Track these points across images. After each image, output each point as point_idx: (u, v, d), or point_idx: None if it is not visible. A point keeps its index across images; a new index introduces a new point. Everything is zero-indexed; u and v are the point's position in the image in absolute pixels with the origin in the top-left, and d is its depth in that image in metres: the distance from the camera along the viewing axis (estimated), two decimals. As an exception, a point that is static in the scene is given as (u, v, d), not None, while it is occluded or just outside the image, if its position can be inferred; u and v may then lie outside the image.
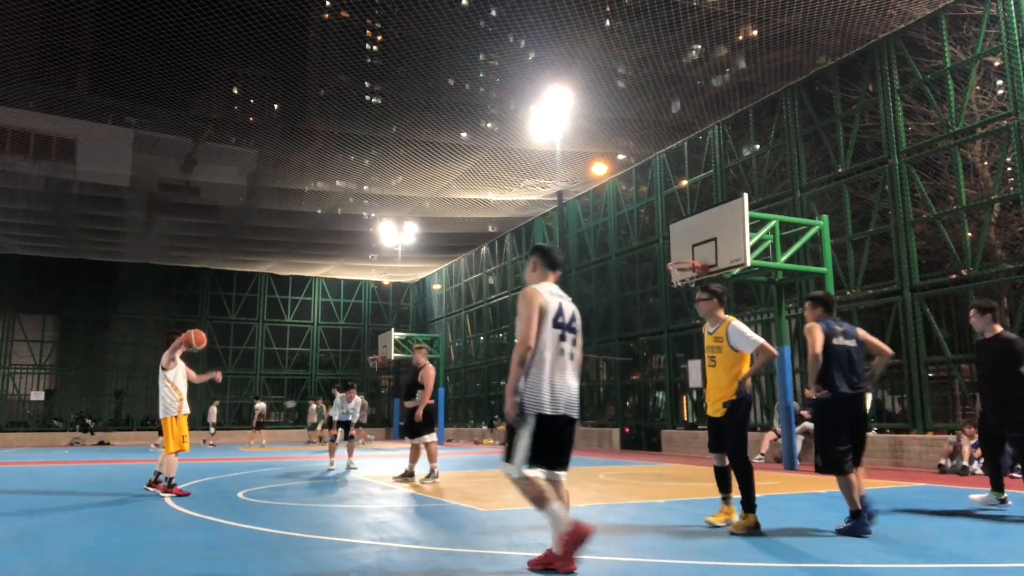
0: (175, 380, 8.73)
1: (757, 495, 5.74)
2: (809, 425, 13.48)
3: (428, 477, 10.31)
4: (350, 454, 13.59)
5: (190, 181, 21.32)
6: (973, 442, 10.67)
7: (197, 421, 30.07)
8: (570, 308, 4.52)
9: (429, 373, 10.62)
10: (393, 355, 26.06)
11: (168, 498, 8.35)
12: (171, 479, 8.70)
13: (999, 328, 6.91)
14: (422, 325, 34.78)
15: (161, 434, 8.77)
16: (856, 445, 5.68)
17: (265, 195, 22.29)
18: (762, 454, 13.79)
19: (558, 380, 4.31)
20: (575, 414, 4.37)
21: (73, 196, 21.69)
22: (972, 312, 7.08)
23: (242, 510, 7.35)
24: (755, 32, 14.04)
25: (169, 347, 8.83)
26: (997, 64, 12.70)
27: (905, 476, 10.51)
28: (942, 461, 11.03)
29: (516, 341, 4.35)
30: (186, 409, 8.76)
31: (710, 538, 5.47)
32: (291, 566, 4.58)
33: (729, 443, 5.83)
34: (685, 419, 18.87)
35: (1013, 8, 11.69)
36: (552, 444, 4.27)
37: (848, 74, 14.60)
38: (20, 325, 29.18)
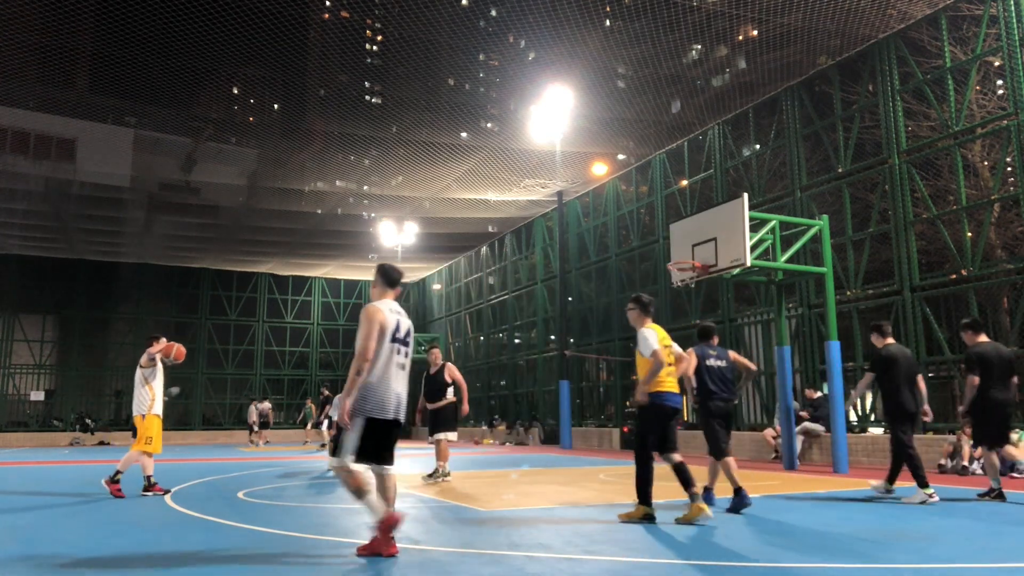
0: (150, 379, 8.72)
1: (757, 495, 5.76)
2: (809, 425, 13.49)
3: (431, 475, 10.30)
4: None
5: (190, 181, 21.31)
6: (973, 442, 10.67)
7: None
8: (406, 324, 5.06)
9: (453, 372, 10.71)
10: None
11: (167, 497, 8.35)
12: (117, 473, 8.50)
13: (889, 341, 8.00)
14: (422, 325, 34.78)
15: (135, 436, 8.76)
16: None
17: (265, 195, 22.29)
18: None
19: (393, 388, 4.86)
20: (403, 417, 4.95)
21: (73, 196, 21.69)
22: None
23: (242, 510, 7.35)
24: (755, 32, 14.04)
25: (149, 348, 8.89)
26: (997, 64, 12.70)
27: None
28: (942, 461, 11.03)
29: (356, 352, 4.83)
30: (157, 410, 8.68)
31: (710, 538, 5.47)
32: (291, 566, 4.58)
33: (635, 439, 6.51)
34: (685, 418, 18.86)
35: (1013, 8, 11.69)
36: (381, 444, 4.82)
37: (848, 74, 14.59)
38: (20, 325, 29.18)
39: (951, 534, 5.59)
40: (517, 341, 27.08)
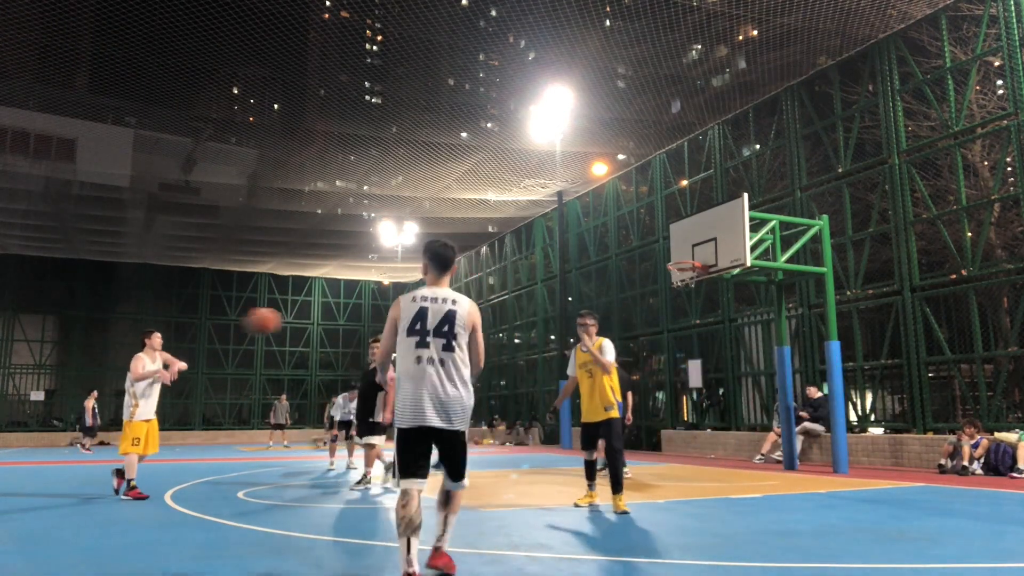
0: (133, 386, 8.72)
1: (757, 495, 5.76)
2: (809, 425, 13.49)
3: (359, 483, 9.80)
4: (350, 454, 13.58)
5: (190, 181, 21.31)
6: (973, 442, 10.68)
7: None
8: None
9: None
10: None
11: (168, 497, 8.35)
12: (130, 480, 8.56)
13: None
14: (422, 325, 34.72)
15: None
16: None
17: (265, 195, 22.29)
18: (762, 455, 13.78)
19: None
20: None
21: (73, 196, 21.69)
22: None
23: (242, 510, 7.35)
24: (755, 32, 14.04)
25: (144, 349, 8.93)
26: (997, 64, 12.69)
27: (905, 476, 10.51)
28: (942, 461, 11.03)
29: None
30: (141, 416, 8.61)
31: (710, 538, 5.47)
32: (291, 566, 4.58)
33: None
34: (685, 419, 18.87)
35: (1013, 8, 11.69)
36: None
37: (848, 74, 14.59)
38: (20, 325, 29.16)
39: (951, 534, 5.59)
40: (517, 341, 27.07)
